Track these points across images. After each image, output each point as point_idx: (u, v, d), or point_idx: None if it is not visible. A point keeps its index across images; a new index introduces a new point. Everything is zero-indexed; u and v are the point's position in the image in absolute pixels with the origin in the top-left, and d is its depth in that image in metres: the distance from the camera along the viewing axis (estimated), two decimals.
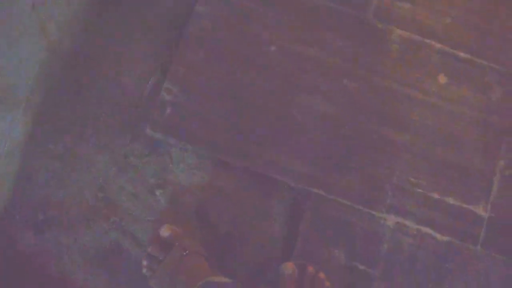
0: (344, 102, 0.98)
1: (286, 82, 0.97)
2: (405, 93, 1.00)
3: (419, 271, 0.96)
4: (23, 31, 0.80)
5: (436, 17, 1.02)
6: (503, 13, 1.04)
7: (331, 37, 0.99)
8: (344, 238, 0.95)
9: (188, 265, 0.81)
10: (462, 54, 1.02)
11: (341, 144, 0.97)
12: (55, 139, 0.95)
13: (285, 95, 0.97)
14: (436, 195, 0.98)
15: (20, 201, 0.92)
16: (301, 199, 0.96)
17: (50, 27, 0.87)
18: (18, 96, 0.86)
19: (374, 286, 0.95)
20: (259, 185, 0.96)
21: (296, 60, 0.98)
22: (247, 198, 0.97)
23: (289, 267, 0.88)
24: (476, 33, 1.03)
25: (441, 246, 0.96)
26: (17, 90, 0.86)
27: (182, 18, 1.00)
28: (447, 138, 0.99)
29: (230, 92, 0.96)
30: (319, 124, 0.97)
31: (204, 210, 0.96)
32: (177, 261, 0.80)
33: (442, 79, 1.01)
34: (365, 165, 0.96)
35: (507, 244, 0.97)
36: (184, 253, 0.81)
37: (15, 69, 0.82)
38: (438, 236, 0.97)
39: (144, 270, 0.84)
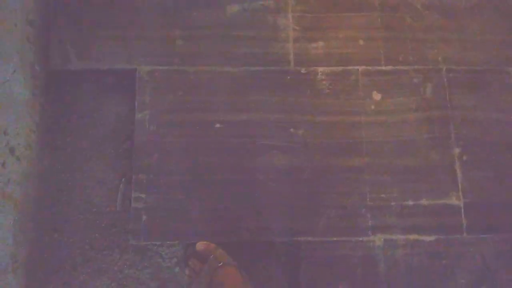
0: (296, 149, 1.05)
1: (239, 152, 1.04)
2: (348, 121, 1.07)
3: (420, 276, 1.00)
4: None
5: (349, 44, 1.10)
6: (403, 19, 1.12)
7: (264, 98, 1.07)
8: (343, 271, 1.00)
9: (222, 275, 0.90)
10: (384, 68, 1.10)
11: (307, 188, 1.03)
12: (51, 284, 1.00)
13: (242, 163, 1.03)
14: (410, 202, 1.03)
15: None
16: (293, 249, 1.02)
17: (11, 189, 0.92)
18: (2, 263, 0.91)
19: None
20: (251, 252, 1.02)
21: (241, 128, 1.05)
22: (244, 267, 1.02)
23: None
24: (389, 45, 1.11)
25: (432, 246, 1.02)
26: (1, 259, 0.90)
27: (129, 128, 1.07)
28: (400, 147, 1.06)
29: (192, 181, 1.02)
30: (282, 178, 1.03)
31: None
32: (212, 271, 0.90)
33: (376, 95, 1.09)
34: (336, 199, 1.02)
35: (489, 223, 1.03)
36: (219, 264, 0.90)
37: None
38: (426, 238, 1.02)
39: (186, 278, 0.99)
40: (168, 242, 0.99)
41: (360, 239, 1.01)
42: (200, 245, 0.95)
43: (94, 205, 1.04)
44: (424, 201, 1.04)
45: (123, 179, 1.06)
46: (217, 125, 1.05)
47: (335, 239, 1.01)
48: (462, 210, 1.03)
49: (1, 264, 0.88)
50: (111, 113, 1.10)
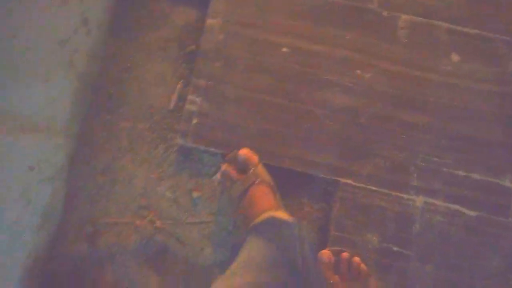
0: (359, 92, 1.02)
1: (301, 81, 1.02)
2: (419, 76, 1.02)
3: (452, 248, 0.98)
4: (54, 66, 0.89)
5: None
6: None
7: (339, 32, 1.03)
8: (375, 222, 0.98)
9: (257, 193, 0.87)
10: (470, 30, 1.03)
11: (361, 133, 1.01)
12: (95, 157, 1.03)
13: (302, 93, 1.02)
14: (461, 172, 1.00)
15: (71, 218, 1.01)
16: (331, 189, 1.01)
17: (76, 59, 0.95)
18: (58, 125, 0.95)
19: (411, 266, 0.98)
20: (289, 180, 1.02)
21: (308, 58, 1.03)
22: (280, 192, 1.02)
23: (325, 255, 0.93)
24: (481, 7, 1.04)
25: (472, 221, 0.98)
26: (56, 119, 0.94)
27: (197, 33, 1.07)
28: (466, 114, 1.01)
29: (248, 96, 1.01)
30: (338, 116, 1.01)
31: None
32: (248, 185, 0.87)
33: (455, 57, 1.03)
34: (388, 149, 1.00)
35: None
36: (256, 181, 0.87)
37: (52, 102, 0.90)
38: (468, 212, 0.99)
39: (216, 183, 0.95)
40: (212, 150, 1.00)
41: (401, 195, 0.99)
42: (243, 154, 0.91)
43: (149, 98, 1.06)
44: (476, 175, 1.00)
45: (182, 80, 1.06)
46: (284, 49, 1.03)
47: (375, 189, 0.99)
48: None
49: (57, 126, 0.92)
50: (182, 16, 1.09)
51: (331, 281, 0.91)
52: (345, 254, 0.93)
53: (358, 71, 1.03)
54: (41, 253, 0.96)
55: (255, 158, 0.93)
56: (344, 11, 1.04)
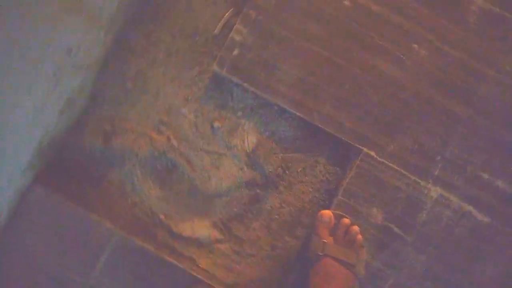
0: (409, 67, 0.97)
1: (353, 39, 0.98)
2: (476, 67, 0.97)
3: (452, 246, 0.97)
4: None
5: None
6: None
7: (412, 3, 0.97)
8: (385, 199, 0.97)
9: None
10: None
11: (400, 108, 0.97)
12: (129, 62, 1.02)
13: (351, 51, 0.97)
14: (486, 175, 0.97)
15: (92, 113, 1.02)
16: (350, 155, 0.99)
17: None
18: (103, 17, 0.94)
19: (405, 251, 0.97)
20: (313, 136, 1.00)
21: (367, 18, 0.98)
22: (300, 146, 1.01)
23: (326, 215, 0.93)
24: None
25: (481, 226, 0.96)
26: (102, 11, 0.93)
27: None
28: (511, 120, 0.97)
29: (296, 42, 0.98)
30: (380, 84, 0.97)
31: (255, 152, 1.01)
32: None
33: None
34: (420, 132, 0.96)
35: None
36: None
37: None
38: (480, 216, 0.97)
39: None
40: (244, 85, 0.98)
41: (419, 181, 0.97)
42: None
43: (196, 18, 1.02)
44: (499, 182, 0.96)
45: (232, 9, 1.03)
46: (346, 2, 0.98)
47: (395, 167, 0.97)
48: None
49: (102, 18, 0.90)
50: None
51: (324, 240, 0.91)
52: (346, 220, 0.93)
53: (415, 45, 0.98)
54: (56, 137, 0.98)
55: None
56: None
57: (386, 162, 0.97)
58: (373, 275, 0.97)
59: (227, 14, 1.03)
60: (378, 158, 0.97)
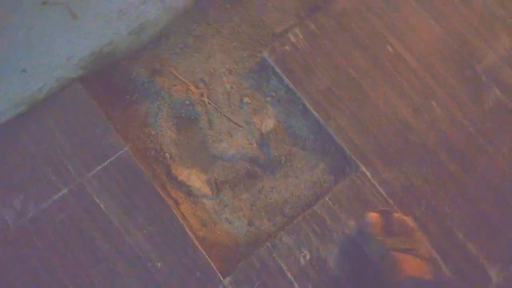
0: (424, 118, 1.10)
1: (386, 77, 1.12)
2: (479, 141, 1.09)
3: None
4: None
5: None
6: None
7: (443, 72, 1.13)
8: (361, 216, 1.04)
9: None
10: None
11: (405, 147, 1.08)
12: (199, 23, 1.19)
13: (380, 86, 1.12)
14: (461, 236, 1.03)
15: (151, 49, 1.17)
16: (348, 169, 1.09)
17: None
18: None
19: None
20: (322, 142, 1.11)
21: (403, 67, 1.13)
22: (308, 146, 1.11)
23: (375, 216, 0.98)
24: None
25: (441, 275, 1.01)
26: None
27: None
28: (496, 196, 1.06)
29: (338, 59, 1.13)
30: (395, 121, 1.09)
31: (269, 135, 1.12)
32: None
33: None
34: (415, 174, 1.06)
35: None
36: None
37: None
38: (443, 267, 1.02)
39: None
40: (283, 78, 1.12)
41: (399, 212, 1.04)
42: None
43: (265, 14, 1.21)
44: (471, 246, 1.03)
45: (298, 21, 1.21)
46: (390, 49, 1.14)
47: (383, 193, 1.05)
48: (491, 286, 1.01)
49: None
50: None
51: (380, 238, 0.94)
52: (396, 215, 0.98)
53: (434, 103, 1.11)
54: (115, 52, 1.12)
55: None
56: (458, 63, 1.14)
57: (377, 185, 1.06)
58: None
59: (291, 22, 1.21)
60: (371, 180, 1.06)
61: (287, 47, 1.14)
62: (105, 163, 1.05)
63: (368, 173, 1.06)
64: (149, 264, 0.99)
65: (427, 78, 1.13)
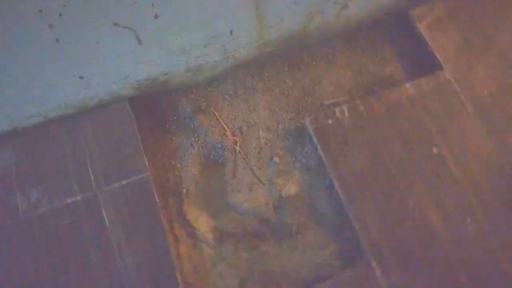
0: (448, 236, 1.02)
1: (419, 177, 1.07)
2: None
3: None
4: None
5: None
6: None
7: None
8: None
9: None
10: None
11: (423, 257, 1.00)
12: (253, 77, 1.23)
13: (413, 185, 1.06)
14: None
15: (201, 88, 1.22)
16: (359, 258, 1.02)
17: None
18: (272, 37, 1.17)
19: None
20: (339, 223, 1.06)
21: (444, 176, 1.08)
22: (323, 223, 1.07)
23: None
24: None
25: None
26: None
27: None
28: None
29: (377, 149, 1.10)
30: (420, 227, 1.02)
31: (287, 200, 1.09)
32: None
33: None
34: None
35: None
36: None
37: None
38: None
39: None
40: (318, 149, 1.11)
41: None
42: None
43: (316, 88, 1.23)
44: None
45: (347, 98, 1.21)
46: (435, 150, 1.10)
47: None
48: None
49: None
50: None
51: None
52: None
53: (468, 219, 1.03)
54: (169, 83, 1.18)
55: None
56: (503, 184, 1.07)
57: (382, 287, 0.97)
58: None
59: (341, 98, 1.21)
60: (379, 279, 0.98)
61: (330, 121, 1.14)
62: (124, 182, 1.07)
63: (377, 271, 0.99)
64: None
65: (467, 191, 1.06)
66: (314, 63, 1.24)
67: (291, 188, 1.11)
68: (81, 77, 1.02)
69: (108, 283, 0.98)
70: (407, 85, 1.17)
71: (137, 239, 1.02)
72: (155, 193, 1.05)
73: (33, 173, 1.09)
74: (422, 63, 1.23)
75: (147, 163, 1.09)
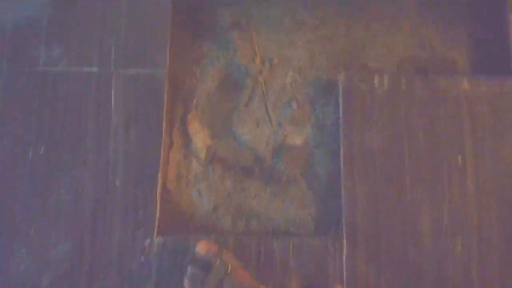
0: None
1: (433, 184, 0.99)
2: None
3: None
4: None
5: None
6: None
7: None
8: None
9: (233, 281, 0.82)
10: None
11: (401, 242, 0.97)
12: (306, 8, 1.12)
13: (418, 183, 0.99)
14: None
15: (247, 3, 1.13)
16: (333, 232, 1.00)
17: None
18: None
19: None
20: (330, 189, 1.03)
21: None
22: (315, 183, 1.04)
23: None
24: None
25: None
26: None
27: None
28: None
29: (399, 135, 1.01)
30: (408, 225, 0.98)
31: (283, 150, 1.06)
32: (221, 278, 0.82)
33: None
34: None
35: None
36: (227, 272, 0.83)
37: None
38: None
39: None
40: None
41: None
42: (201, 249, 0.85)
43: None
44: None
45: None
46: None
47: None
48: None
49: None
50: None
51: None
52: None
53: (459, 239, 0.97)
54: None
55: (214, 248, 0.86)
56: None
57: (344, 262, 0.96)
58: None
59: (388, 64, 1.09)
60: (343, 260, 0.96)
61: (364, 86, 1.04)
62: (140, 71, 1.05)
63: (345, 251, 0.96)
64: (110, 177, 1.01)
65: (472, 211, 0.97)
66: (376, 19, 1.10)
67: (296, 139, 1.06)
68: None
69: (95, 159, 1.02)
70: (466, 78, 1.03)
71: (134, 129, 1.03)
72: (165, 92, 1.04)
73: (61, 29, 1.09)
74: (495, 63, 1.07)
75: (168, 61, 1.06)
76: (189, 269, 0.84)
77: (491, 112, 1.01)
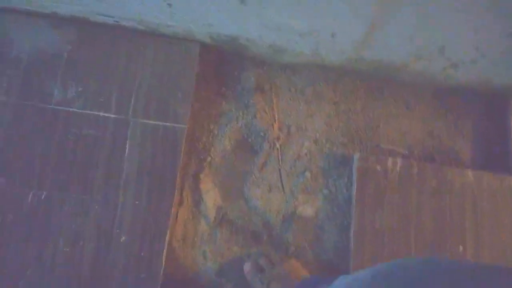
0: None
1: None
2: None
3: None
4: None
5: None
6: None
7: None
8: None
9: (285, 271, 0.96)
10: None
11: None
12: (330, 83, 1.16)
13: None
14: None
15: (273, 68, 1.15)
16: None
17: None
18: None
19: None
20: (337, 263, 1.03)
21: None
22: (323, 257, 1.04)
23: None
24: None
25: None
26: None
27: None
28: None
29: (408, 221, 1.05)
30: None
31: (293, 220, 1.06)
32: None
33: None
34: None
35: None
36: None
37: None
38: None
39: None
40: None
41: None
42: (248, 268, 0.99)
43: None
44: None
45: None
46: (461, 248, 1.05)
47: None
48: None
49: None
50: None
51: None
52: None
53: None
54: (250, 47, 1.11)
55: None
56: None
57: None
58: None
59: (401, 150, 1.14)
60: None
61: (378, 167, 1.08)
62: (160, 123, 1.03)
63: None
64: (116, 231, 0.96)
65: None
66: (391, 101, 1.16)
67: (307, 210, 1.07)
68: (169, 5, 0.96)
69: (101, 211, 0.96)
70: (469, 171, 1.09)
71: (146, 182, 0.99)
72: (182, 148, 1.02)
73: (80, 68, 1.05)
74: (498, 159, 1.15)
75: (189, 116, 1.04)
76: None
77: (491, 207, 1.08)
